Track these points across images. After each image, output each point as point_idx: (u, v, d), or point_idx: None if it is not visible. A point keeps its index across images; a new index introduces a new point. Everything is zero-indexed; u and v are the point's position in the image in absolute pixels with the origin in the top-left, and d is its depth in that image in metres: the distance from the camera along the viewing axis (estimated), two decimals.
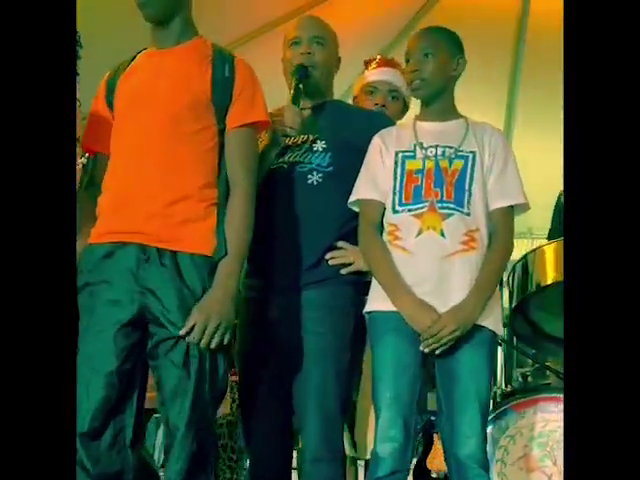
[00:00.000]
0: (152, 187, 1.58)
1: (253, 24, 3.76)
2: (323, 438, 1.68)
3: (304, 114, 1.81)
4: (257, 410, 1.79)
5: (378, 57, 2.28)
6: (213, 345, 1.50)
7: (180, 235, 1.55)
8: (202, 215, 1.58)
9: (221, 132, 1.63)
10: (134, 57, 1.74)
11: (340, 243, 1.77)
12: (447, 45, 1.76)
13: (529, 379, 2.76)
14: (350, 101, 2.30)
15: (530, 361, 2.74)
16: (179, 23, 1.68)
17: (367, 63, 2.28)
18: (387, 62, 2.25)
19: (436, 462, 2.41)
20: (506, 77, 4.54)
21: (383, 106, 2.17)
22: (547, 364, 2.35)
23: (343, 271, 1.76)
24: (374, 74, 2.24)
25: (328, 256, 1.76)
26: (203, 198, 1.59)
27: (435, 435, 2.38)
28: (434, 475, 2.54)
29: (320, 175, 1.79)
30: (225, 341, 1.52)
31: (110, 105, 1.68)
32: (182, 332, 1.49)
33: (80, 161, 2.34)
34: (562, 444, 1.98)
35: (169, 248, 1.55)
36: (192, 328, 1.49)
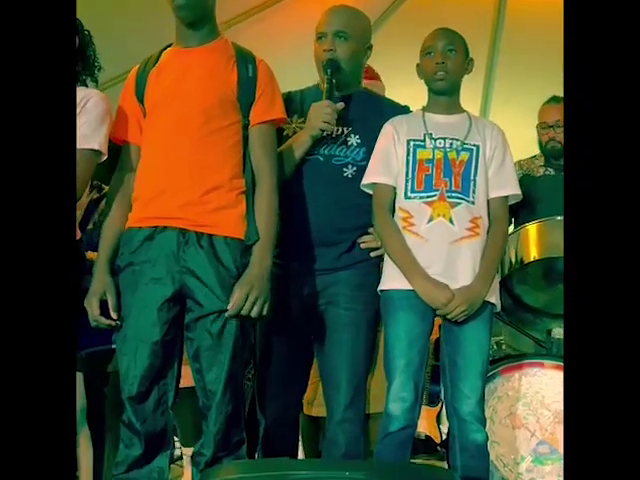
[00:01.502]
0: (187, 178, 1.72)
1: (248, 3, 3.79)
2: (351, 402, 1.85)
3: (339, 108, 1.89)
4: (275, 379, 1.93)
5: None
6: (253, 314, 1.66)
7: (215, 221, 1.70)
8: (233, 203, 1.73)
9: (245, 127, 1.77)
10: (160, 53, 1.84)
11: (371, 229, 1.92)
12: (464, 46, 1.93)
13: (503, 347, 3.01)
14: None
15: (503, 330, 2.97)
16: (208, 25, 1.81)
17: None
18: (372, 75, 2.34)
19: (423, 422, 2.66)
20: (483, 62, 4.66)
21: None
22: (528, 332, 2.57)
23: (373, 254, 1.92)
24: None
25: (360, 240, 1.91)
26: (233, 187, 1.74)
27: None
28: (421, 436, 2.82)
29: (355, 169, 1.92)
30: (264, 312, 1.68)
31: (140, 100, 1.80)
32: (230, 305, 1.64)
33: None
34: (544, 403, 2.23)
35: (206, 232, 1.70)
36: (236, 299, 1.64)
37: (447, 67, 1.89)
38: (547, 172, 2.74)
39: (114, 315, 1.70)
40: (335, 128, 1.90)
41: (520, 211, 2.60)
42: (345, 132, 1.95)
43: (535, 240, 2.54)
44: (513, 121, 3.92)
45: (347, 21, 1.97)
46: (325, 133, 1.89)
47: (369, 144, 1.93)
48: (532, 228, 2.52)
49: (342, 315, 1.88)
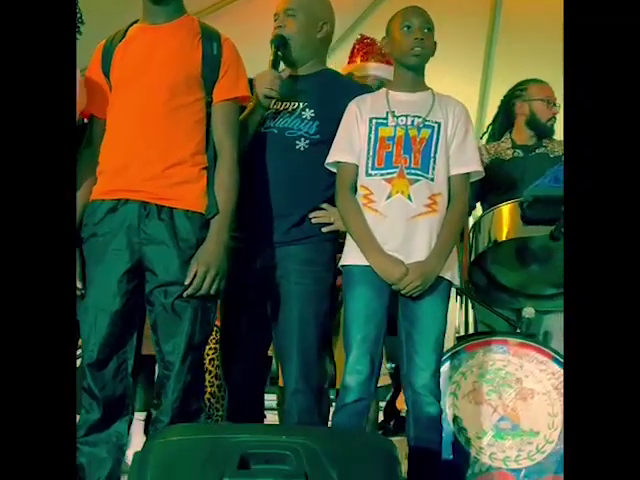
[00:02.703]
0: (151, 152, 1.76)
1: None
2: (301, 373, 1.90)
3: (283, 76, 1.97)
4: (237, 348, 2.00)
5: (362, 41, 2.44)
6: (212, 291, 1.72)
7: (176, 194, 1.75)
8: (195, 178, 1.77)
9: (208, 104, 1.81)
10: (127, 29, 1.87)
11: (324, 205, 1.97)
12: (433, 29, 1.95)
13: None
14: None
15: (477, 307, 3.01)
16: (174, 1, 1.84)
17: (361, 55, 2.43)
18: (369, 50, 2.42)
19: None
20: (482, 48, 4.64)
21: None
22: (499, 311, 2.60)
23: (324, 229, 1.96)
24: (364, 68, 2.40)
25: (311, 215, 1.96)
26: (195, 163, 1.78)
27: None
28: (403, 414, 2.87)
29: (307, 142, 1.97)
30: (220, 287, 1.73)
31: (106, 74, 1.84)
32: (187, 281, 1.69)
33: None
34: (507, 380, 2.26)
35: (167, 205, 1.74)
36: (193, 277, 1.70)
37: (424, 44, 1.91)
38: (516, 154, 2.73)
39: (79, 284, 1.75)
40: (291, 103, 1.96)
41: (490, 194, 2.62)
42: (301, 107, 1.99)
43: (508, 220, 2.56)
44: None
45: (293, 1, 2.04)
46: (273, 103, 1.95)
47: (323, 119, 1.98)
48: (505, 209, 2.54)
49: (292, 289, 1.93)
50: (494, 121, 2.87)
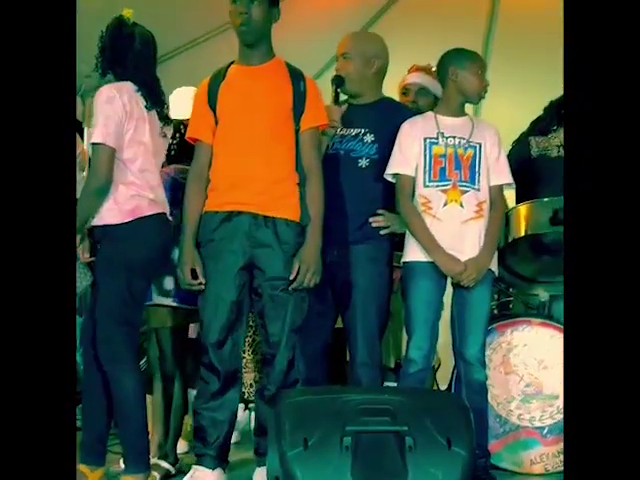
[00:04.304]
0: (257, 172, 2.16)
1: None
2: (366, 350, 2.33)
3: (343, 110, 2.39)
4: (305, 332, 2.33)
5: (414, 65, 2.88)
6: (311, 285, 2.13)
7: (278, 207, 2.16)
8: (291, 192, 2.19)
9: (296, 132, 2.21)
10: (226, 69, 2.25)
11: (380, 211, 2.40)
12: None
13: (494, 311, 3.48)
14: None
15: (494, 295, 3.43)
16: (265, 46, 2.23)
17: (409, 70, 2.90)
18: (418, 68, 2.87)
19: None
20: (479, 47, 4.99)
21: (414, 102, 2.79)
22: (518, 295, 3.05)
23: (382, 232, 2.39)
24: (407, 78, 2.85)
25: (371, 220, 2.38)
26: (291, 180, 2.20)
27: None
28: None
29: (368, 160, 2.40)
30: (317, 282, 2.14)
31: (212, 108, 2.22)
32: (292, 277, 2.10)
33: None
34: (531, 353, 2.69)
35: (271, 215, 2.15)
36: (297, 272, 2.11)
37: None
38: (560, 153, 2.86)
39: (202, 280, 2.14)
40: (355, 129, 2.39)
41: (525, 186, 2.75)
42: (362, 132, 2.43)
43: (524, 219, 2.96)
44: (505, 112, 4.30)
45: (350, 44, 2.47)
46: (339, 130, 2.37)
47: (381, 142, 2.40)
48: (522, 209, 2.93)
49: (360, 281, 2.34)
50: (544, 116, 3.01)
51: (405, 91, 2.85)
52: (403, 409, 1.78)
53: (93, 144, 2.08)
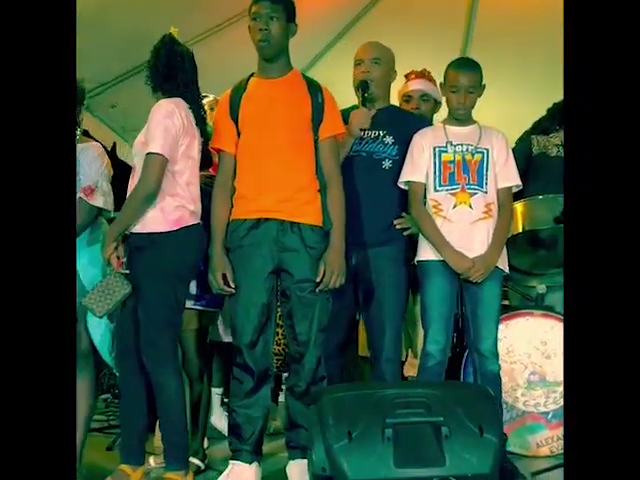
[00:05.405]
0: (281, 180, 2.27)
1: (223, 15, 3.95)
2: (393, 346, 2.47)
3: (372, 113, 2.50)
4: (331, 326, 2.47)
5: (412, 72, 3.00)
6: (337, 286, 2.25)
7: (303, 213, 2.28)
8: (314, 199, 2.31)
9: (315, 141, 2.33)
10: (246, 82, 2.36)
11: (403, 214, 2.53)
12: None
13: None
14: None
15: None
16: (283, 59, 2.34)
17: (406, 76, 2.99)
18: (417, 75, 2.99)
19: (409, 369, 3.28)
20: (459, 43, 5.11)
21: (417, 108, 2.91)
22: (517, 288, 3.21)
23: (405, 233, 2.52)
24: (409, 85, 2.97)
25: (395, 222, 2.52)
26: (313, 187, 2.31)
27: (410, 351, 3.20)
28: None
29: (390, 162, 2.53)
30: (342, 283, 2.27)
31: (234, 119, 2.33)
32: (318, 279, 2.23)
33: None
34: (533, 343, 2.86)
35: (297, 221, 2.27)
36: (323, 274, 2.23)
37: (467, 105, 2.47)
38: (559, 153, 3.03)
39: (233, 285, 2.25)
40: (374, 131, 2.50)
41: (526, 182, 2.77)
42: (382, 134, 2.55)
43: (520, 215, 3.13)
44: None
45: (380, 51, 2.59)
46: (364, 133, 2.47)
47: (400, 143, 2.53)
48: (519, 206, 3.11)
49: (385, 281, 2.48)
50: (547, 116, 3.13)
51: (407, 98, 2.97)
52: (436, 401, 1.91)
53: (149, 153, 2.17)
